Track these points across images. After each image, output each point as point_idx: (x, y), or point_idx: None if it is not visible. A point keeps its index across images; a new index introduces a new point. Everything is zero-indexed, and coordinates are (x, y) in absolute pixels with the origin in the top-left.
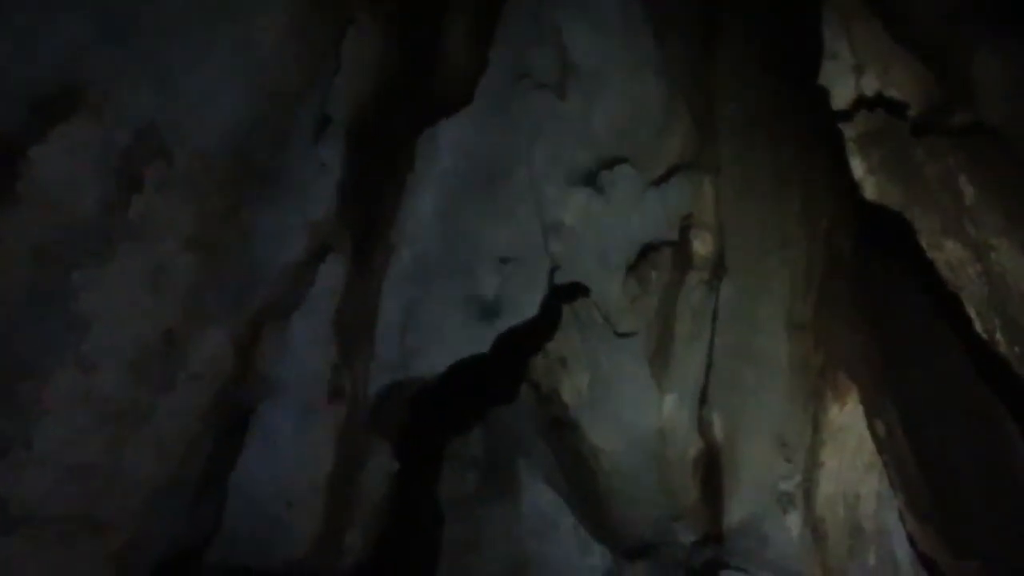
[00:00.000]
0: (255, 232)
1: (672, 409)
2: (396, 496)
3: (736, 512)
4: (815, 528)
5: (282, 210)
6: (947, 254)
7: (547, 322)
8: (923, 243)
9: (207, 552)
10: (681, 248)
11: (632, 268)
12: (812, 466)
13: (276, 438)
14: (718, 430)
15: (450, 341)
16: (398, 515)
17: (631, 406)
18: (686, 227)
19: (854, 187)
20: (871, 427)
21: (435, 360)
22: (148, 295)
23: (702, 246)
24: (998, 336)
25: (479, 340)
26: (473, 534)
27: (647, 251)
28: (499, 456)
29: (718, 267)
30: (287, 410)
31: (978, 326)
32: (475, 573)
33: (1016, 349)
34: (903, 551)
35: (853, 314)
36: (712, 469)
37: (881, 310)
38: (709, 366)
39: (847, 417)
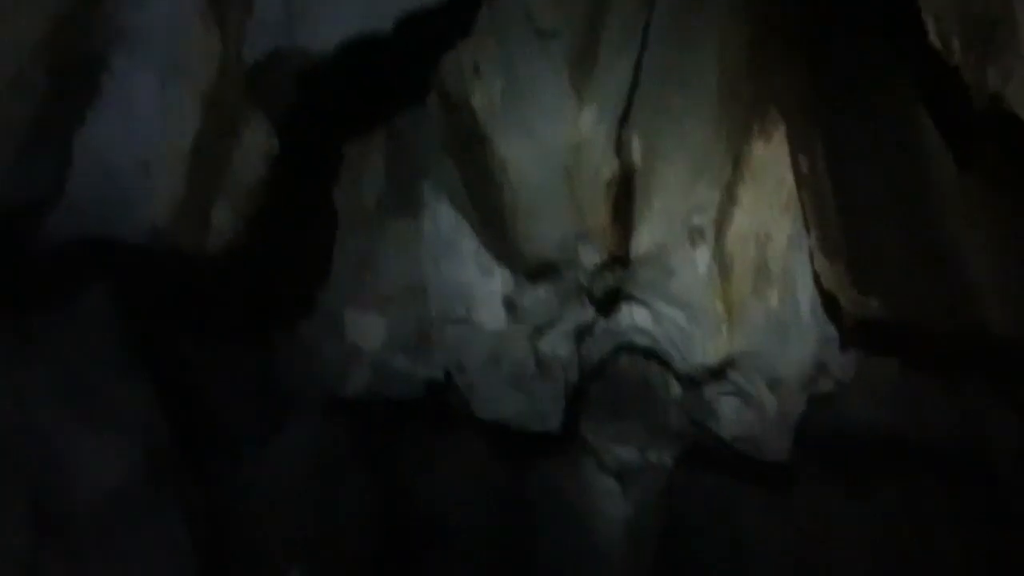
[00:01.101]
0: None
1: (590, 123)
2: (279, 185)
3: (645, 239)
4: (722, 265)
5: None
6: None
7: (459, 20)
8: None
9: (46, 220)
10: None
11: None
12: (728, 201)
13: (133, 97)
14: (636, 153)
15: (345, 10)
16: (285, 214)
17: (546, 116)
18: None
19: None
20: (794, 162)
21: (325, 31)
22: None
23: None
24: (954, 43)
25: (380, 16)
26: (369, 251)
27: None
28: (402, 171)
29: None
30: (146, 66)
31: (932, 32)
32: (370, 291)
33: (971, 57)
34: (805, 296)
35: (790, 46)
36: (625, 192)
37: (819, 42)
38: (635, 86)
39: (770, 155)
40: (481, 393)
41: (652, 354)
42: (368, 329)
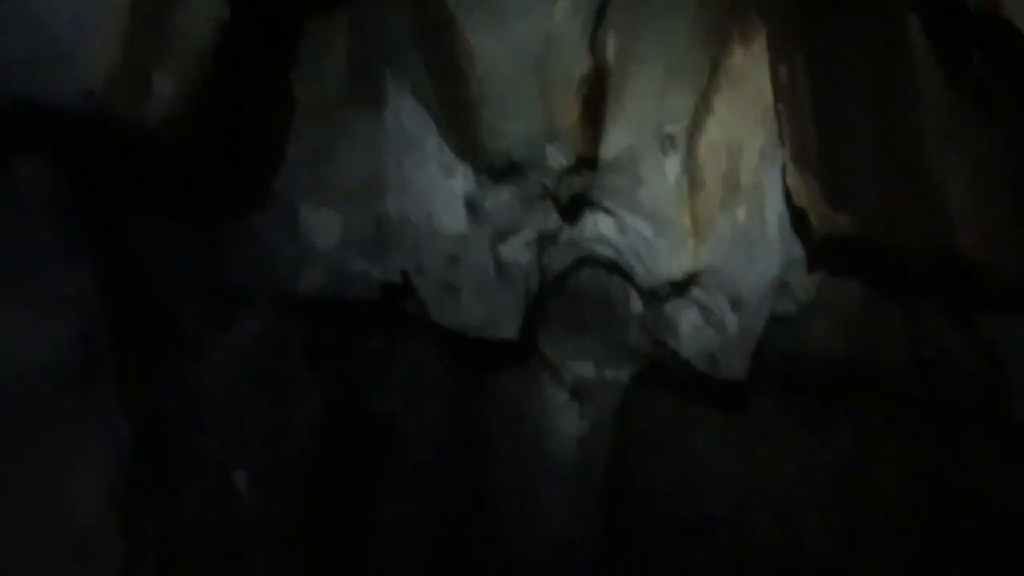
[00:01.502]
0: None
1: (564, 16)
2: (229, 59)
3: (614, 144)
4: (692, 176)
5: None
6: None
7: None
8: None
9: None
10: None
11: None
12: (702, 110)
13: None
14: (611, 52)
15: None
16: (237, 94)
17: (518, 6)
18: None
19: None
20: (773, 72)
21: None
22: None
23: None
24: None
25: None
26: (327, 144)
27: None
28: (364, 61)
29: None
30: None
31: None
32: (326, 187)
33: None
34: (773, 213)
35: None
36: (597, 92)
37: None
38: None
39: (749, 63)
40: (439, 297)
41: (615, 267)
42: (323, 226)
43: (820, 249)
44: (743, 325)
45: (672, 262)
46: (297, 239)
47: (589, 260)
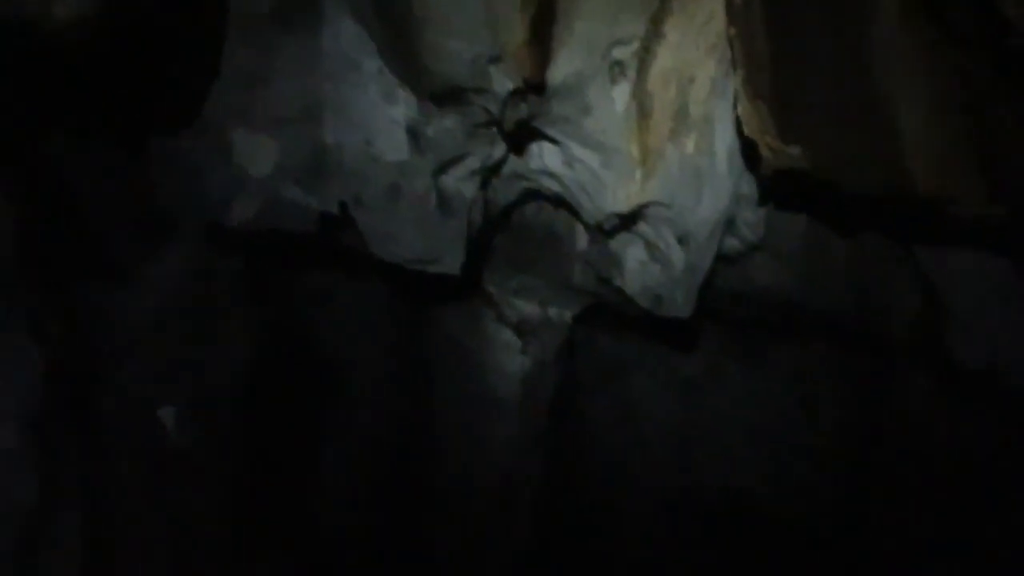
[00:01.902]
0: None
1: None
2: None
3: (562, 68)
4: (641, 105)
5: None
6: None
7: None
8: None
9: None
10: None
11: None
12: (653, 35)
13: None
14: None
15: None
16: (162, 5)
17: None
18: None
19: None
20: None
21: None
22: None
23: None
24: None
25: None
26: (262, 66)
27: None
28: None
29: None
30: None
31: None
32: (260, 110)
33: None
34: (722, 147)
35: None
36: (546, 12)
37: None
38: None
39: None
40: (379, 229)
41: (561, 202)
42: (257, 153)
43: (769, 183)
44: (690, 261)
45: (619, 194)
46: (229, 165)
47: (535, 194)
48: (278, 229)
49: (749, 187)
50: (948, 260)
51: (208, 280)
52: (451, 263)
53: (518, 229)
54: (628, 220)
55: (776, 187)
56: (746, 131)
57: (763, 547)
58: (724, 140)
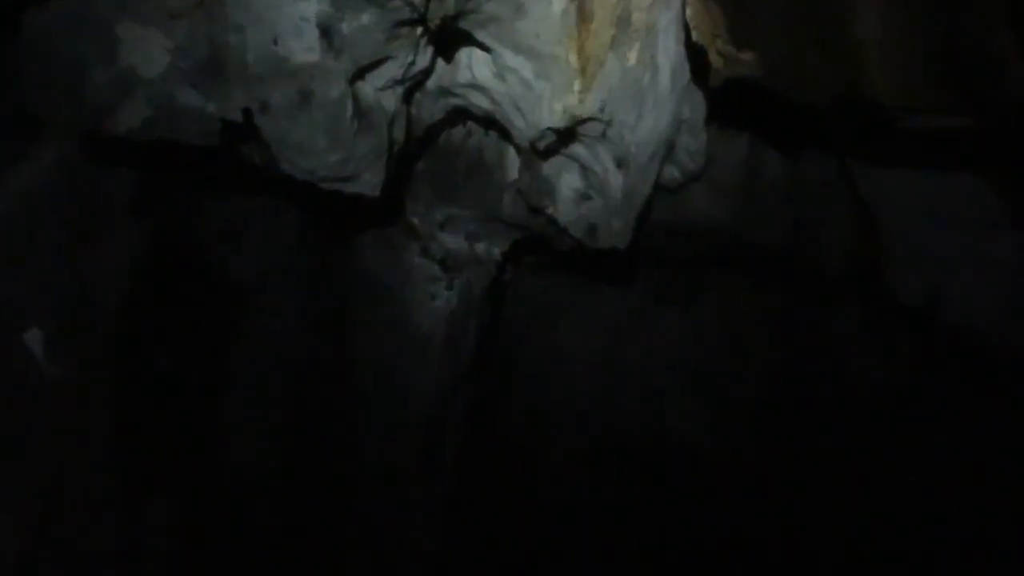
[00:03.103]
0: None
1: None
2: None
3: None
4: (581, 8)
5: None
6: None
7: None
8: None
9: None
10: None
11: None
12: None
13: None
14: None
15: None
16: None
17: None
18: None
19: None
20: None
21: None
22: None
23: None
24: None
25: None
26: None
27: None
28: None
29: None
30: None
31: None
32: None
33: None
34: (666, 59)
35: None
36: None
37: None
38: None
39: None
40: (288, 140)
41: (491, 121)
42: (148, 50)
43: (716, 97)
44: (628, 186)
45: (555, 107)
46: (114, 64)
47: (463, 112)
48: (171, 139)
49: (691, 111)
50: (891, 186)
51: (85, 190)
52: (369, 182)
53: (444, 154)
54: (564, 137)
55: (722, 102)
56: (694, 36)
57: (692, 489)
58: (667, 54)
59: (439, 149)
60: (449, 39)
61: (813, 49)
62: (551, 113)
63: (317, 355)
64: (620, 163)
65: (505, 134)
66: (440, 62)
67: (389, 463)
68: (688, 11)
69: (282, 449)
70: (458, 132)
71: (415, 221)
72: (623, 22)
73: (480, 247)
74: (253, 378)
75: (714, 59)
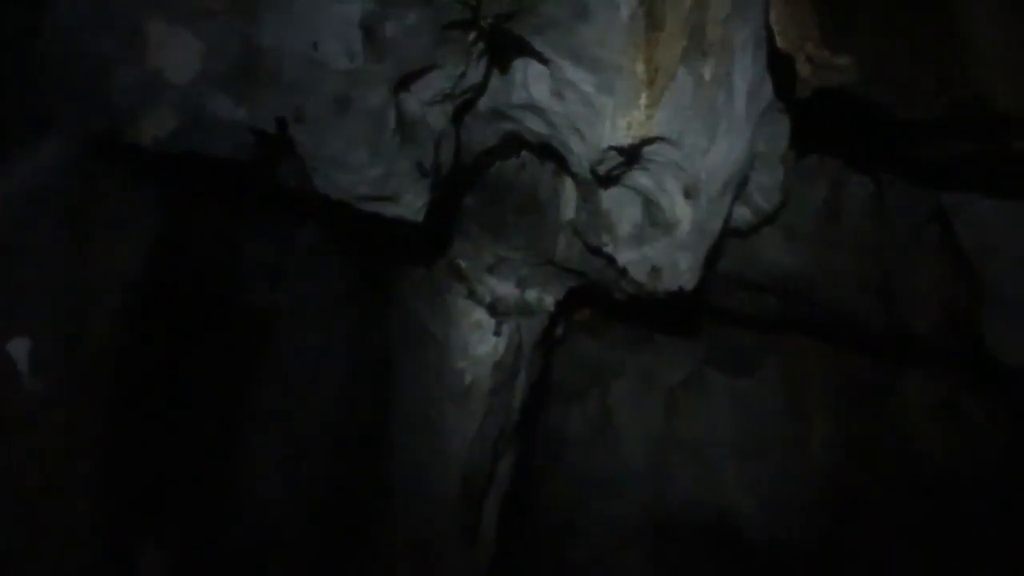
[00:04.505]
0: None
1: None
2: None
3: None
4: (651, 12)
5: None
6: None
7: None
8: None
9: None
10: None
11: None
12: None
13: None
14: None
15: None
16: None
17: None
18: None
19: None
20: None
21: None
22: None
23: None
24: None
25: None
26: None
27: None
28: None
29: None
30: None
31: None
32: None
33: None
34: (742, 80)
35: None
36: None
37: None
38: None
39: None
40: (323, 152)
41: (546, 149)
42: (177, 51)
43: (803, 112)
44: (697, 221)
45: (619, 124)
46: (141, 66)
47: (516, 140)
48: (199, 150)
49: (768, 142)
50: (995, 226)
51: (97, 196)
52: (412, 204)
53: (495, 188)
54: (628, 158)
55: (806, 125)
56: (780, 43)
57: (748, 572)
58: (744, 75)
59: (489, 182)
60: (503, 47)
61: (920, 52)
62: (614, 130)
63: (350, 401)
64: (689, 193)
65: (562, 163)
66: (493, 79)
67: (423, 529)
68: (772, 14)
69: (305, 505)
70: (511, 164)
71: (461, 263)
72: (697, 33)
73: (532, 294)
74: (278, 422)
75: (802, 67)
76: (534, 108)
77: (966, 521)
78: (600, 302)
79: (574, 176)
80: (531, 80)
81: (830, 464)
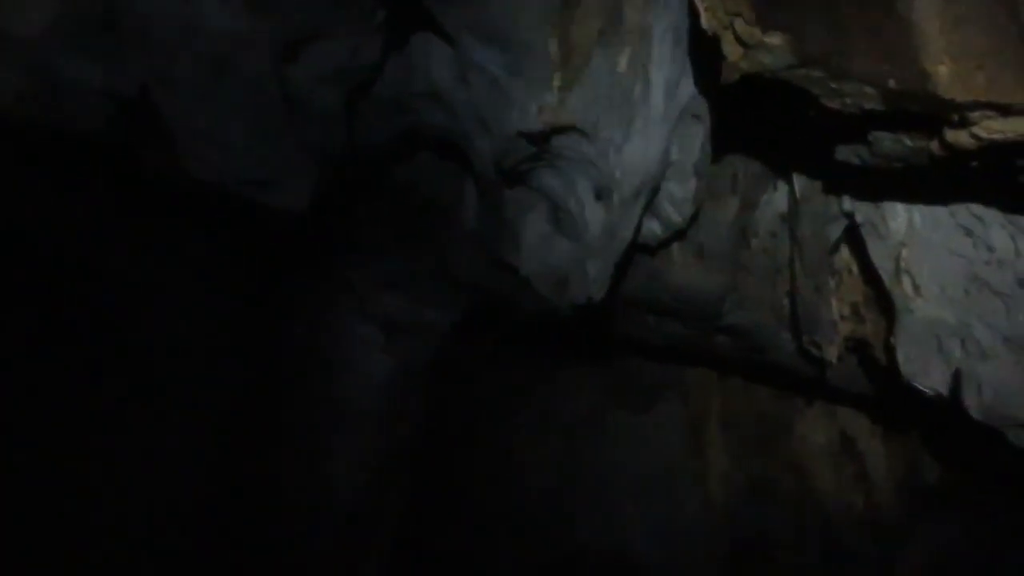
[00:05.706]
0: None
1: None
2: None
3: None
4: None
5: None
6: None
7: None
8: None
9: None
10: None
11: None
12: None
13: None
14: None
15: None
16: None
17: None
18: None
19: None
20: None
21: None
22: None
23: None
24: None
25: None
26: None
27: None
28: None
29: None
30: None
31: None
32: None
33: None
34: (659, 74)
35: None
36: None
37: None
38: None
39: None
40: (194, 124)
41: (447, 144)
42: (24, 5)
43: (726, 104)
44: (609, 224)
45: (529, 108)
46: None
47: (415, 136)
48: (50, 121)
49: (681, 150)
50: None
51: None
52: (296, 194)
53: (391, 191)
54: (538, 149)
55: (728, 121)
56: (705, 22)
57: None
58: (661, 70)
59: (385, 185)
60: (405, 19)
61: (858, 34)
62: (524, 115)
63: (227, 425)
64: (601, 193)
65: (464, 161)
66: (392, 63)
67: (305, 567)
68: None
69: (180, 533)
70: (408, 166)
71: (352, 274)
72: (614, 16)
73: (429, 313)
74: (149, 450)
75: (729, 49)
76: (435, 96)
77: (861, 561)
78: (500, 328)
79: (477, 177)
80: (433, 64)
81: (728, 502)
